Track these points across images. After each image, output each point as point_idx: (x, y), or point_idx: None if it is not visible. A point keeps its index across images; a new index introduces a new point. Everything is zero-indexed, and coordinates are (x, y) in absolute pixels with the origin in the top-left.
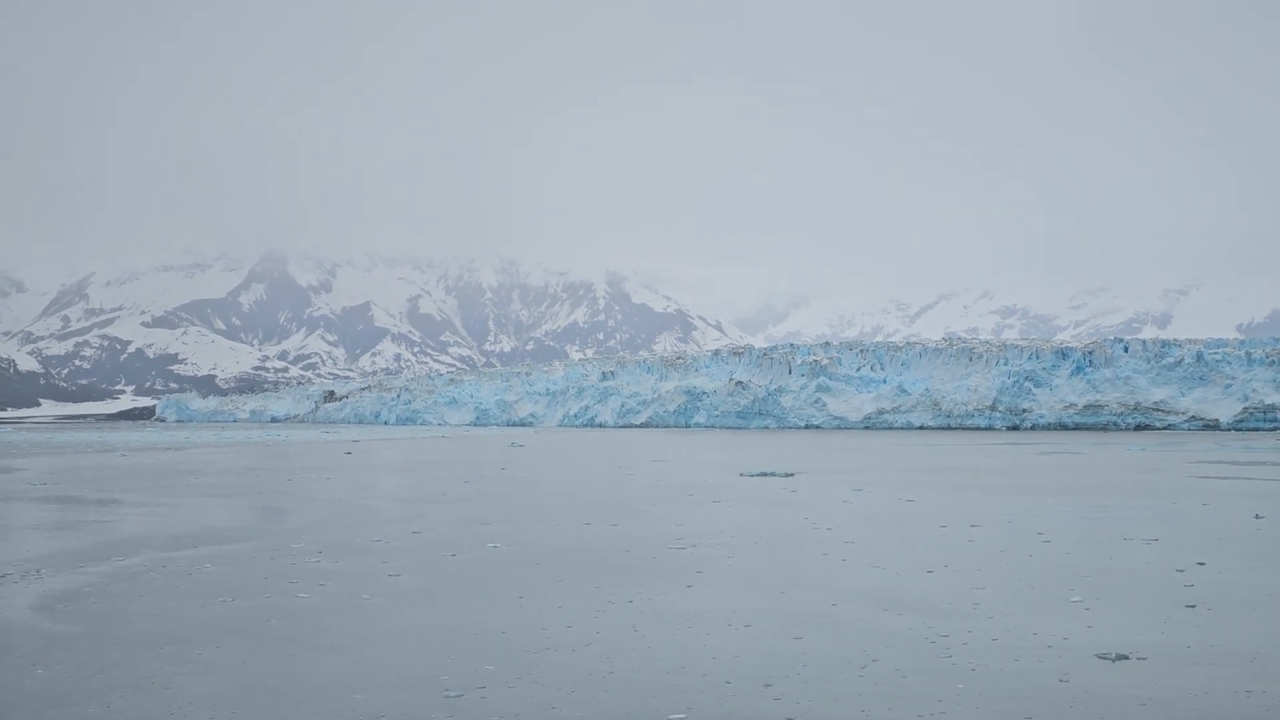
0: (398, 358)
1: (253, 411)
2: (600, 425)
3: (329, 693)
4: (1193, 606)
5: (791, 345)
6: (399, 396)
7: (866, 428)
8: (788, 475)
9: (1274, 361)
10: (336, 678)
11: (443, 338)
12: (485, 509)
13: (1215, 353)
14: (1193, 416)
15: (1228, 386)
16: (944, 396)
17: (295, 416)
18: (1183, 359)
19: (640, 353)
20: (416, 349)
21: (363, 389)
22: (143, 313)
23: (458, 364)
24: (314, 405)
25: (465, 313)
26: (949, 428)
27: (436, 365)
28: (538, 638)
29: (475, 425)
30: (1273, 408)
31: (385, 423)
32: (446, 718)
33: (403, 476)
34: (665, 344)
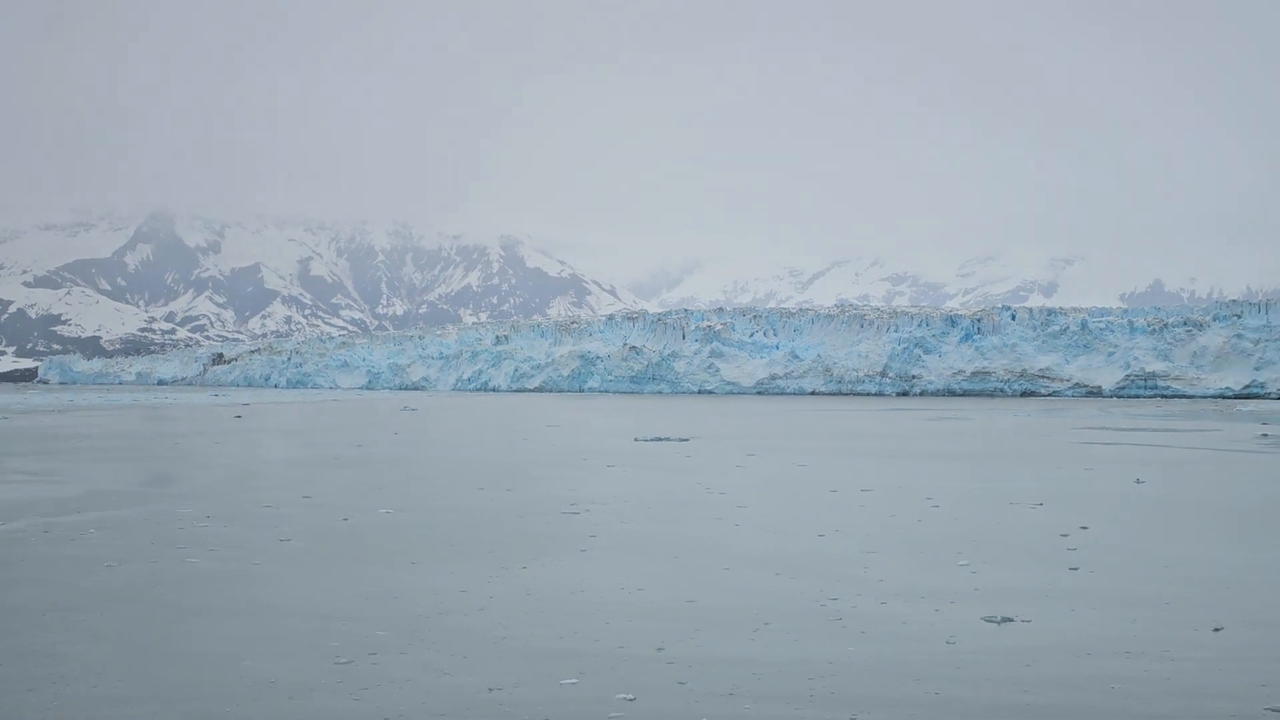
0: (288, 320)
1: (139, 374)
2: (494, 390)
3: (217, 659)
4: (1075, 569)
5: (686, 311)
6: (290, 359)
7: (759, 393)
8: (682, 440)
9: (1155, 330)
10: (225, 644)
11: (334, 300)
12: (378, 474)
13: (1099, 321)
14: (1077, 383)
15: (1110, 354)
16: (836, 362)
17: (183, 379)
18: (1068, 327)
19: (534, 317)
20: (307, 312)
21: (253, 352)
22: (24, 272)
23: (350, 327)
24: (202, 368)
25: (357, 275)
26: (840, 393)
27: (328, 328)
28: (430, 603)
29: (367, 389)
30: (1153, 375)
31: (276, 386)
32: (337, 684)
33: (294, 441)
34: (560, 308)
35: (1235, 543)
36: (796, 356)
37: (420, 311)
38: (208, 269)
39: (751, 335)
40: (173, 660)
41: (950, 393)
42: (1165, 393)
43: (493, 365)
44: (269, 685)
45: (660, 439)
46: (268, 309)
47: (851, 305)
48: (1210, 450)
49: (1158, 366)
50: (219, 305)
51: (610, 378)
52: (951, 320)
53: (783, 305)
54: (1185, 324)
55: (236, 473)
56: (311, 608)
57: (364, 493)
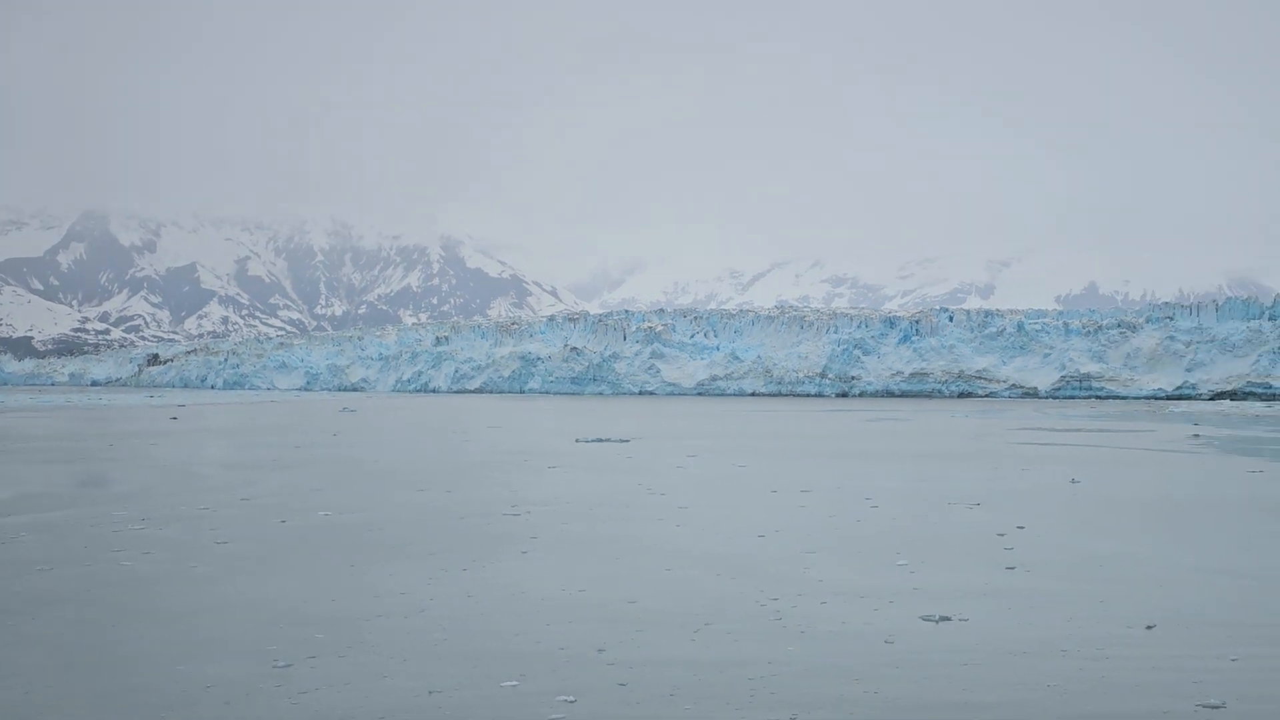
0: (225, 320)
1: (72, 375)
2: (434, 391)
3: (153, 663)
4: (1012, 569)
5: (627, 312)
6: (226, 360)
7: (700, 394)
8: (623, 441)
9: (1090, 332)
10: (161, 648)
11: (272, 300)
12: (316, 475)
13: (1035, 323)
14: (1013, 384)
15: (1046, 355)
16: (776, 364)
17: (117, 380)
18: (1004, 329)
19: (475, 318)
20: (245, 312)
21: (189, 352)
22: None
23: (288, 327)
24: (137, 369)
25: (296, 275)
26: (780, 394)
27: (266, 329)
28: (370, 606)
29: (306, 390)
30: (1088, 376)
31: (212, 387)
32: (275, 688)
33: (231, 442)
34: (500, 309)
35: (1168, 541)
36: (737, 358)
37: (359, 312)
38: (143, 268)
39: (692, 336)
40: (107, 665)
41: (889, 394)
42: (1100, 394)
43: (433, 366)
44: (206, 689)
45: (601, 440)
46: (204, 309)
47: (791, 307)
48: (1144, 450)
49: (1092, 368)
50: (154, 305)
51: (551, 379)
52: (890, 322)
53: (723, 307)
54: (1119, 326)
55: (172, 475)
56: (249, 611)
57: (303, 495)
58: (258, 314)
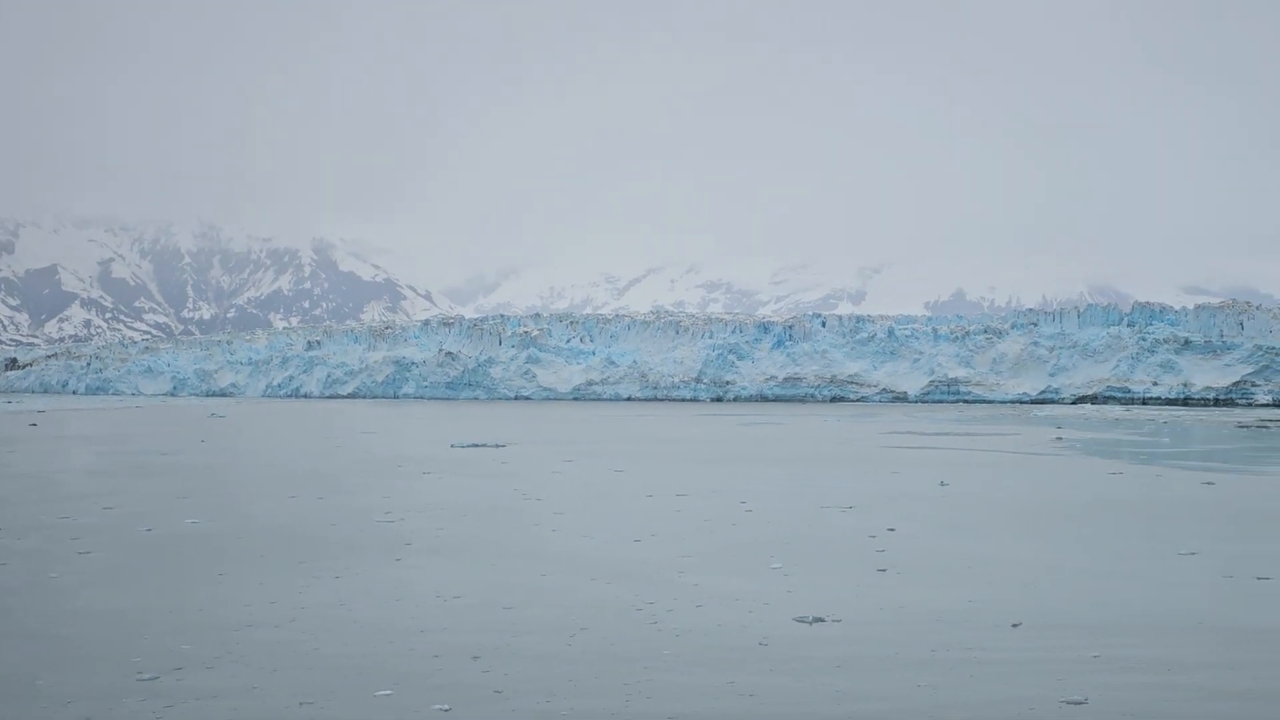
0: (88, 324)
1: None
2: (305, 396)
3: (12, 677)
4: (884, 571)
5: (502, 316)
6: (89, 365)
7: (576, 399)
8: (499, 446)
9: (957, 338)
10: (20, 661)
11: (137, 304)
12: (184, 483)
13: (905, 329)
14: (884, 389)
15: (916, 361)
16: (651, 368)
17: None
18: (875, 334)
19: (348, 322)
20: (109, 315)
21: (49, 356)
22: None
23: (154, 331)
24: None
25: (162, 278)
26: (656, 399)
27: (131, 333)
28: (239, 615)
29: (172, 396)
30: (956, 381)
31: (74, 392)
32: (139, 702)
33: (94, 449)
34: (373, 313)
35: (1033, 542)
36: (613, 362)
37: (228, 316)
38: (0, 270)
39: (568, 341)
40: None
41: (763, 398)
42: (967, 398)
43: (304, 371)
44: (66, 704)
45: (477, 445)
46: (65, 312)
47: (667, 312)
48: (1009, 453)
49: (960, 373)
50: (12, 308)
51: (425, 384)
52: (764, 327)
53: (599, 312)
54: (986, 332)
55: (31, 483)
56: (112, 622)
57: (169, 502)
58: (122, 318)
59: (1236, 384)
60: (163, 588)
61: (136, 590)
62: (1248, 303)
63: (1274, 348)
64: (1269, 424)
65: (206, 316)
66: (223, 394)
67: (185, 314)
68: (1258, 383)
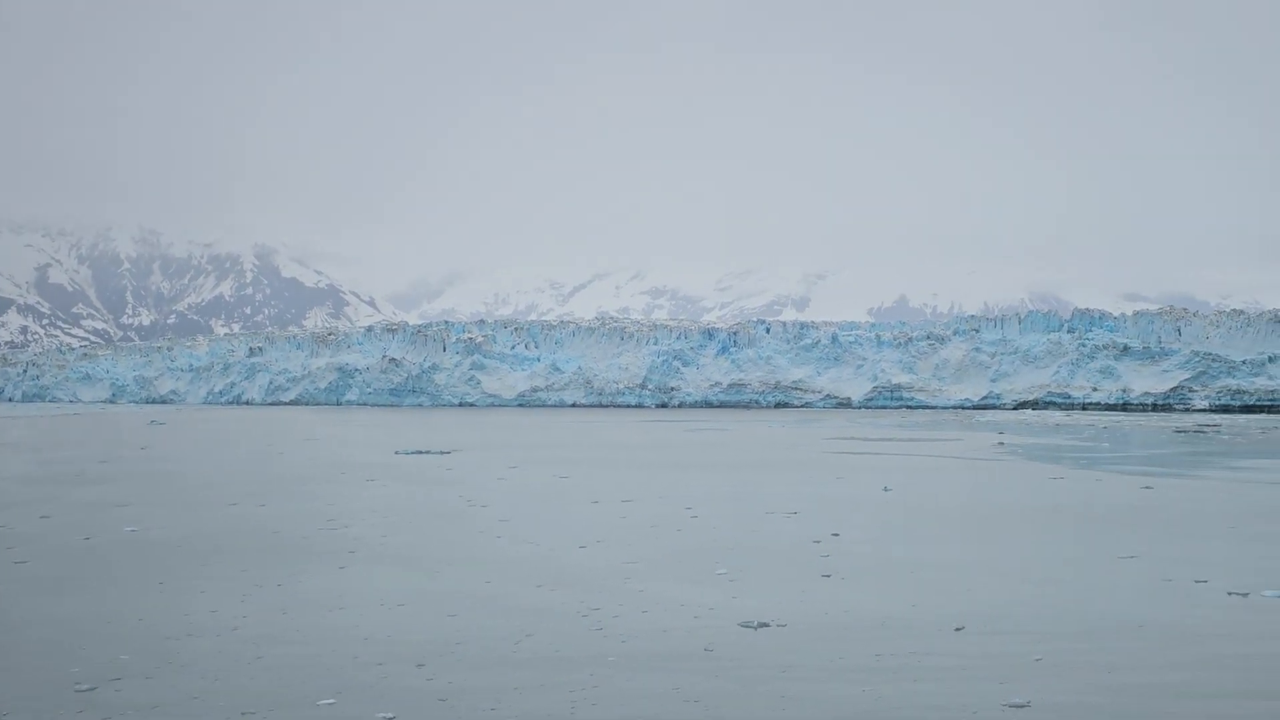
0: (24, 330)
1: None
2: (247, 403)
3: None
4: (828, 576)
5: (447, 323)
6: (26, 371)
7: (520, 405)
8: (443, 453)
9: (900, 344)
10: None
11: (75, 310)
12: (123, 491)
13: (849, 335)
14: (828, 395)
15: (859, 367)
16: (596, 375)
17: None
18: (819, 340)
19: (290, 328)
20: (46, 321)
21: None
22: None
23: (92, 338)
24: None
25: (100, 284)
26: (601, 405)
27: (68, 339)
28: (180, 624)
29: (111, 403)
30: (899, 387)
31: (10, 399)
32: (77, 713)
33: (30, 456)
34: (316, 319)
35: (975, 546)
36: (558, 369)
37: (169, 322)
38: None
39: (513, 348)
40: None
41: (708, 404)
42: (910, 404)
43: (246, 378)
44: (2, 716)
45: (421, 452)
46: (1, 318)
47: (612, 318)
48: (952, 459)
49: (903, 379)
50: None
51: (369, 390)
52: (709, 333)
53: (544, 318)
54: (928, 338)
55: None
56: (50, 632)
57: (108, 510)
58: (60, 324)
59: (1174, 389)
60: (101, 597)
61: (74, 600)
62: (1185, 309)
63: (1210, 354)
64: (1206, 429)
65: (146, 323)
66: (163, 401)
67: (125, 320)
68: (1195, 388)
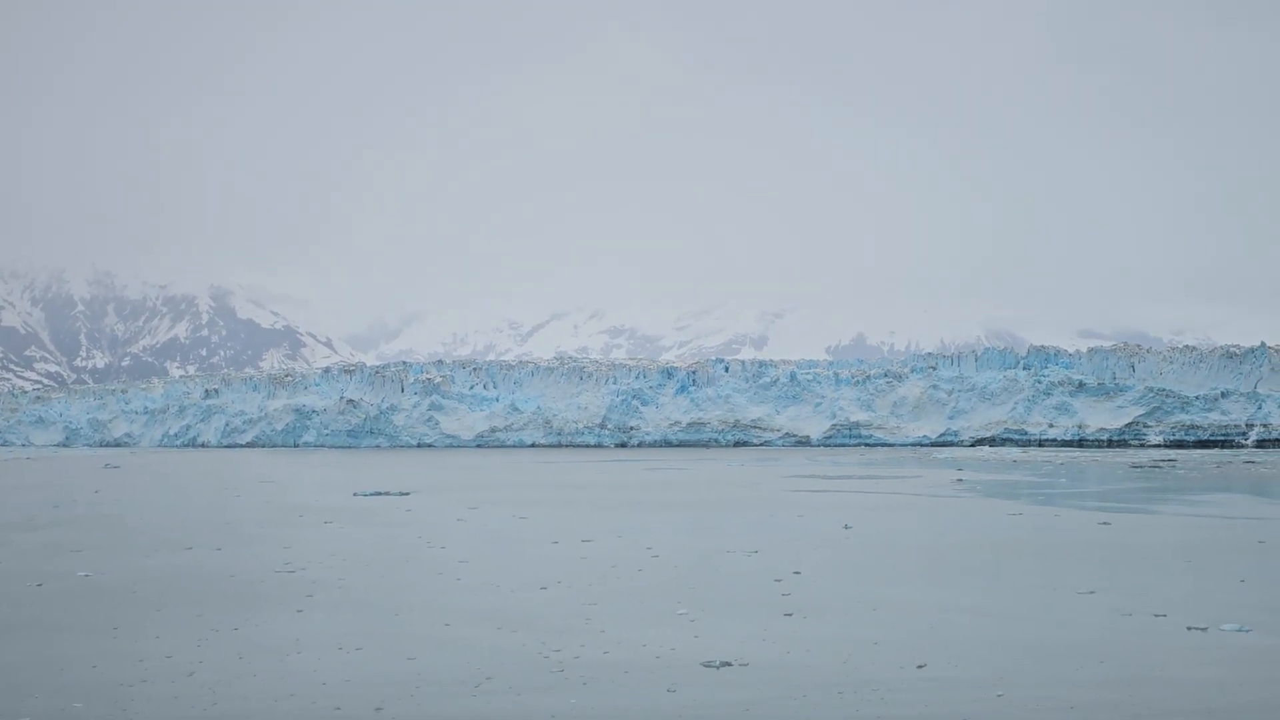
0: None
1: None
2: (203, 445)
3: None
4: (790, 615)
5: (404, 363)
6: None
7: (479, 446)
8: (402, 495)
9: (859, 382)
10: None
11: (28, 353)
12: (76, 535)
13: (807, 373)
14: (787, 433)
15: (818, 405)
16: (555, 414)
17: None
18: (778, 379)
19: (246, 370)
20: None
21: None
22: None
23: (46, 380)
24: None
25: (54, 326)
26: (561, 445)
27: (21, 382)
28: (133, 670)
29: (65, 446)
30: (858, 425)
31: None
32: None
33: None
34: (273, 361)
35: (936, 583)
36: (517, 409)
37: (124, 364)
38: None
39: (471, 388)
40: None
41: (667, 443)
42: (869, 441)
43: (202, 420)
44: None
45: (379, 494)
46: None
47: (571, 358)
48: (911, 496)
49: (862, 416)
50: None
51: (327, 432)
52: (668, 372)
53: (503, 358)
54: (886, 376)
55: None
56: (1, 679)
57: (61, 555)
58: (11, 367)
59: (1129, 425)
60: (53, 643)
61: (25, 646)
62: (1139, 345)
63: (1164, 389)
64: (1161, 464)
65: (101, 365)
66: (117, 444)
67: (78, 363)
68: (1149, 424)
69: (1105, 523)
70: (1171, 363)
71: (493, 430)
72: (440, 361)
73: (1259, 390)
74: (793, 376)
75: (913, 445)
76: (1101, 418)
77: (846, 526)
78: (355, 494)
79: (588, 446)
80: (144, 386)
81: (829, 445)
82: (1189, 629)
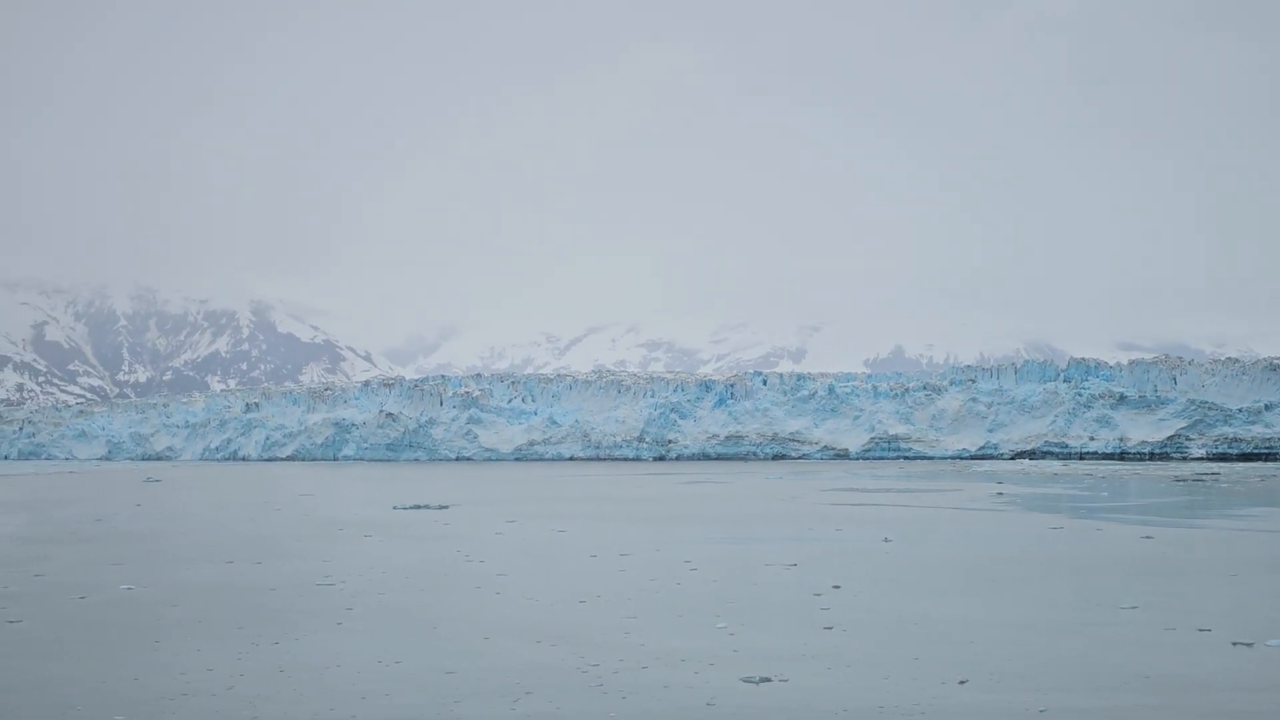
0: (20, 388)
1: None
2: (244, 459)
3: None
4: (830, 628)
5: (443, 377)
6: (21, 429)
7: (518, 459)
8: (441, 508)
9: (897, 395)
10: None
11: (71, 367)
12: (119, 548)
13: (845, 386)
14: (825, 446)
15: (856, 418)
16: (593, 428)
17: None
18: (816, 392)
19: (286, 384)
20: (42, 379)
21: None
22: None
23: (89, 395)
24: None
25: (97, 341)
26: (599, 458)
27: (65, 396)
28: (175, 683)
29: (107, 460)
30: (896, 438)
31: (6, 457)
32: None
33: (25, 515)
34: (313, 375)
35: (977, 598)
36: (555, 422)
37: (165, 378)
38: None
39: (510, 401)
40: None
41: (705, 456)
42: (908, 454)
43: (242, 434)
44: None
45: (419, 507)
46: None
47: (608, 371)
48: (951, 509)
49: (900, 429)
50: None
51: (366, 445)
52: (706, 385)
53: (541, 371)
54: (925, 388)
55: None
56: (44, 692)
57: (103, 569)
58: (56, 381)
59: (1171, 438)
60: (96, 656)
61: (68, 659)
62: (1180, 358)
63: (1206, 402)
64: (1204, 477)
65: (143, 379)
66: (159, 458)
67: (121, 377)
68: (1191, 436)
69: (1148, 536)
70: (1214, 375)
71: (531, 443)
72: (479, 375)
73: None
74: (831, 389)
75: (952, 458)
76: (1143, 430)
77: (886, 540)
78: (394, 507)
79: (626, 460)
80: (185, 400)
81: (867, 458)
82: (1234, 644)
